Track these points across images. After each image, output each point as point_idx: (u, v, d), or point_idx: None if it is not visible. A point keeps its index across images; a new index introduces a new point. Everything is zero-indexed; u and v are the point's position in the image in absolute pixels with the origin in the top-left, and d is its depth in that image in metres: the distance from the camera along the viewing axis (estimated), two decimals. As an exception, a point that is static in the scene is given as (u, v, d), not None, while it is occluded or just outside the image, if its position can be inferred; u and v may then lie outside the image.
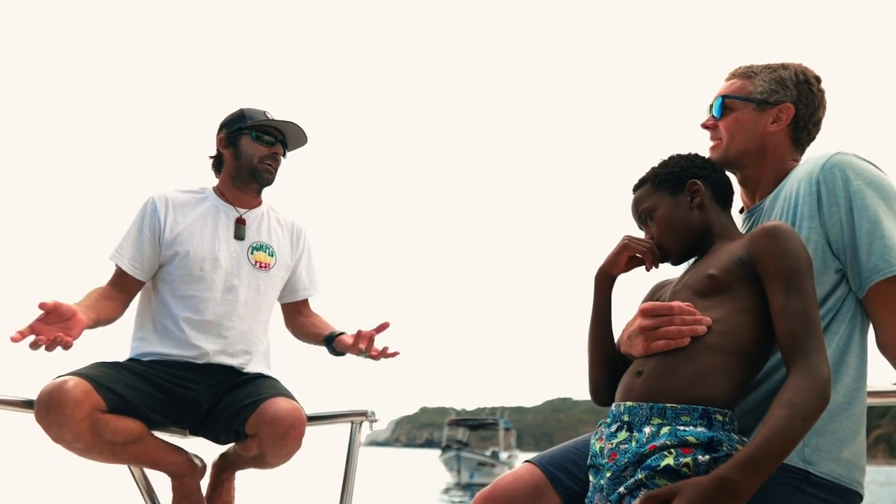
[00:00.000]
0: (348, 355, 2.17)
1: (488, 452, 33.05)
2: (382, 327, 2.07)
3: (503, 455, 32.62)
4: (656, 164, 1.50)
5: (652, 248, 1.44)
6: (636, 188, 1.51)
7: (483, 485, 1.72)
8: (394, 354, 2.08)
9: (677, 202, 1.44)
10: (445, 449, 31.97)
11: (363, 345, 2.04)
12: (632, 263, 1.47)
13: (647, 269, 1.47)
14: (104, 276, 2.16)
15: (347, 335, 2.17)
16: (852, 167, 1.37)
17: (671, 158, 1.49)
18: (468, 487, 25.27)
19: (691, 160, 1.47)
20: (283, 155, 2.29)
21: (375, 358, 2.08)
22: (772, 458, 1.10)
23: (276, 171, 2.25)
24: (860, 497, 1.33)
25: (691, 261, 1.50)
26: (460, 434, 34.93)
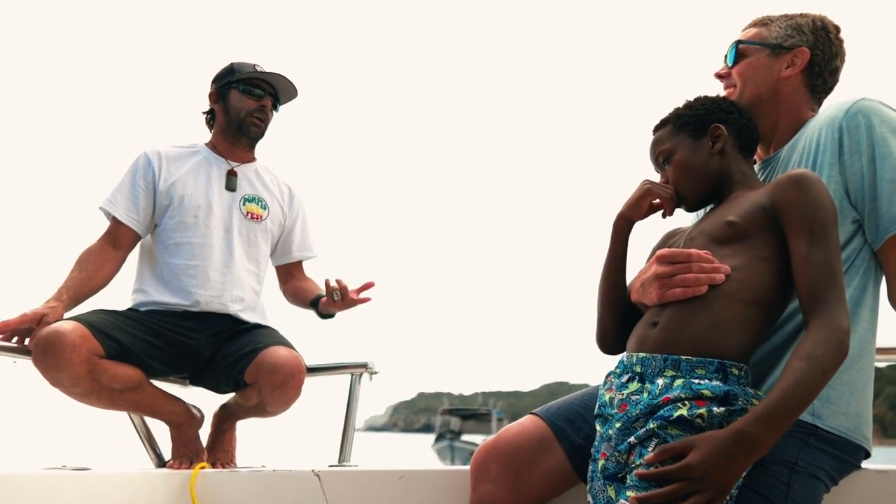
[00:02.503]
0: (339, 316, 2.18)
1: (480, 440, 33.32)
2: (365, 287, 2.09)
3: None
4: (681, 105, 1.44)
5: (673, 195, 1.39)
6: (657, 128, 1.44)
7: None
8: (368, 286, 2.09)
9: (698, 146, 1.38)
10: (439, 438, 32.19)
11: (336, 293, 2.05)
12: (651, 209, 1.42)
13: (664, 216, 1.42)
14: (95, 234, 2.15)
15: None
16: (877, 113, 1.33)
17: (697, 100, 1.43)
18: None
19: (718, 103, 1.42)
20: (275, 108, 2.28)
21: (351, 302, 2.08)
22: (790, 412, 1.08)
23: (265, 123, 2.25)
24: (867, 453, 1.32)
25: (704, 209, 1.47)
26: (453, 423, 35.31)
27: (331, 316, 2.18)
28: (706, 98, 1.44)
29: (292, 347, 2.04)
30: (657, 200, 1.41)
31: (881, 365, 1.63)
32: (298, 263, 2.36)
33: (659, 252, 1.29)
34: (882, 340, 1.42)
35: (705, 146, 1.38)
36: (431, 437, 35.51)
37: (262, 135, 2.26)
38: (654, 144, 1.44)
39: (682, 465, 1.06)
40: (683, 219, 1.47)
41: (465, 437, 32.34)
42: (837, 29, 1.51)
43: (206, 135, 2.33)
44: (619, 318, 1.40)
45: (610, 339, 1.42)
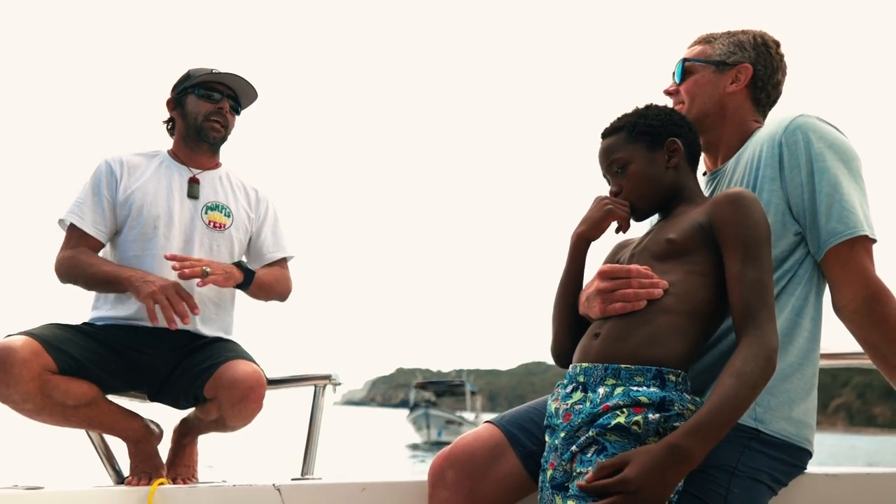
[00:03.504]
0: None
1: (456, 415, 33.62)
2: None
3: (469, 417, 33.26)
4: (631, 112, 1.44)
5: (629, 212, 1.40)
6: (608, 134, 1.44)
7: (451, 443, 1.72)
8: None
9: (653, 158, 1.39)
10: (413, 408, 32.36)
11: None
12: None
13: (617, 231, 1.45)
14: (53, 243, 2.11)
15: None
16: (814, 129, 1.38)
17: (649, 109, 1.43)
18: (437, 445, 25.56)
19: (671, 115, 1.43)
20: (236, 111, 2.24)
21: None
22: (720, 425, 1.12)
23: (225, 127, 2.20)
24: (810, 454, 1.36)
25: (653, 220, 1.49)
26: (428, 396, 35.49)
27: (243, 285, 2.12)
28: (658, 108, 1.44)
29: (253, 361, 2.01)
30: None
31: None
32: (282, 262, 2.31)
33: (601, 268, 1.34)
34: (828, 346, 1.46)
35: (661, 159, 1.39)
36: (407, 413, 35.78)
37: (222, 139, 2.21)
38: (608, 151, 1.42)
39: (618, 479, 1.09)
40: (636, 230, 1.48)
41: (439, 409, 32.54)
42: (777, 44, 1.55)
43: (170, 142, 2.27)
44: (574, 333, 1.42)
45: (566, 355, 1.44)
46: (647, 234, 1.42)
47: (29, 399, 1.79)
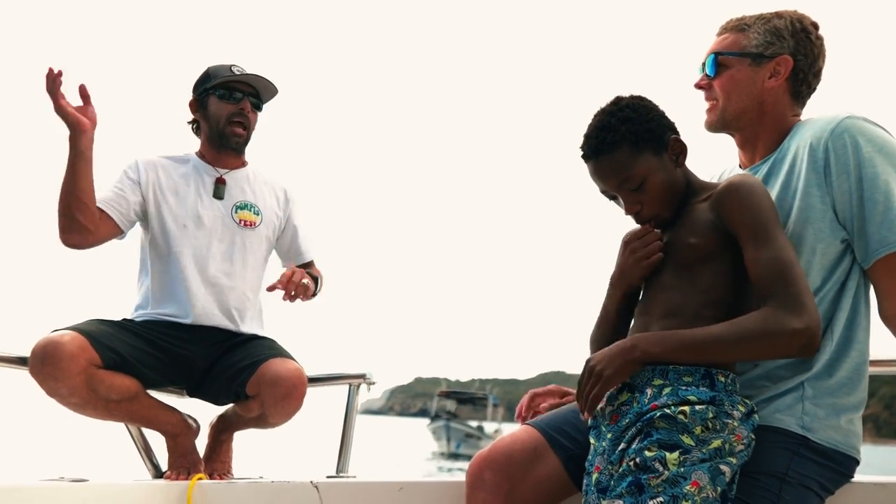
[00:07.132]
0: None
1: (475, 425, 33.64)
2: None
3: (489, 428, 33.27)
4: (608, 117, 1.31)
5: (660, 246, 1.34)
6: (606, 150, 1.30)
7: (468, 456, 1.70)
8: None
9: (662, 162, 1.32)
10: (434, 418, 32.41)
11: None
12: None
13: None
14: None
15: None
16: (863, 132, 1.32)
17: (627, 107, 1.31)
18: (454, 457, 25.80)
19: (653, 107, 1.33)
20: (258, 108, 2.23)
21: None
22: (686, 348, 1.19)
23: (247, 128, 2.20)
24: (857, 463, 1.33)
25: None
26: (449, 405, 35.55)
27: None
28: (635, 104, 1.33)
29: (292, 358, 2.04)
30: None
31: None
32: (310, 263, 2.35)
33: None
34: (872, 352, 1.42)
35: (668, 161, 1.34)
36: (427, 421, 35.78)
37: (244, 141, 2.21)
38: (617, 169, 1.30)
39: (587, 367, 1.25)
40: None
41: (460, 421, 32.61)
42: (816, 27, 1.45)
43: (197, 143, 2.29)
44: None
45: None
46: (664, 237, 1.37)
47: (75, 393, 1.83)
